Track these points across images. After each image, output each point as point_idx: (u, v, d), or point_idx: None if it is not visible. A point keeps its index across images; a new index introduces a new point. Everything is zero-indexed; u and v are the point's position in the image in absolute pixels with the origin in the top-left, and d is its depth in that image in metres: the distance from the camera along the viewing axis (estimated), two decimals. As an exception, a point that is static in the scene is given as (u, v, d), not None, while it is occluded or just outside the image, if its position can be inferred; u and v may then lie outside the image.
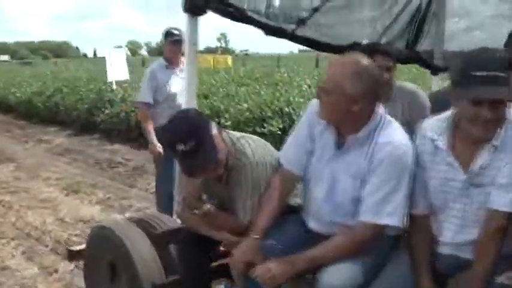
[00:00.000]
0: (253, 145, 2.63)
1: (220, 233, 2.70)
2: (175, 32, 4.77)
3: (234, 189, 2.60)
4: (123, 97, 11.74)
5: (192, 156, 2.43)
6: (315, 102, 2.39)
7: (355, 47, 3.45)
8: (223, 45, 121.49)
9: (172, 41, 4.77)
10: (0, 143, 11.60)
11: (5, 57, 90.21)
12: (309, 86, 10.17)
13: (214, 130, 2.54)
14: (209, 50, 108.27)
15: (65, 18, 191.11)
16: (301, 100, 7.94)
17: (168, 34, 4.81)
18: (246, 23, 3.14)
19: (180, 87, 4.44)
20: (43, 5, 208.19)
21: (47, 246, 5.10)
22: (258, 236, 2.39)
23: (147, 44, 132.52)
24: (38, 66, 47.96)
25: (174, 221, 3.10)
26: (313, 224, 2.47)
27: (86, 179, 7.77)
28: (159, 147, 4.65)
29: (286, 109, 7.69)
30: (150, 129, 4.74)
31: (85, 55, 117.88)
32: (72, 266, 4.43)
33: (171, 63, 4.83)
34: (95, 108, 12.16)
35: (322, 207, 2.38)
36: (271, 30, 3.29)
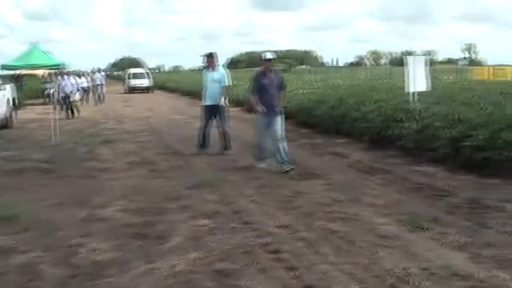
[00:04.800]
0: None
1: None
2: None
3: None
4: (422, 110, 10.52)
5: None
6: None
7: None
8: (472, 56, 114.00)
9: None
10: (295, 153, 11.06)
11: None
12: None
13: None
14: (451, 62, 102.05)
15: (310, 29, 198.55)
16: None
17: None
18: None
19: None
20: (289, 18, 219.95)
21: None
22: None
23: (390, 54, 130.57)
24: (293, 74, 49.63)
25: None
26: None
27: (416, 209, 6.45)
28: None
29: None
30: None
31: (323, 64, 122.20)
32: None
33: None
34: (392, 121, 11.02)
35: None
36: None
